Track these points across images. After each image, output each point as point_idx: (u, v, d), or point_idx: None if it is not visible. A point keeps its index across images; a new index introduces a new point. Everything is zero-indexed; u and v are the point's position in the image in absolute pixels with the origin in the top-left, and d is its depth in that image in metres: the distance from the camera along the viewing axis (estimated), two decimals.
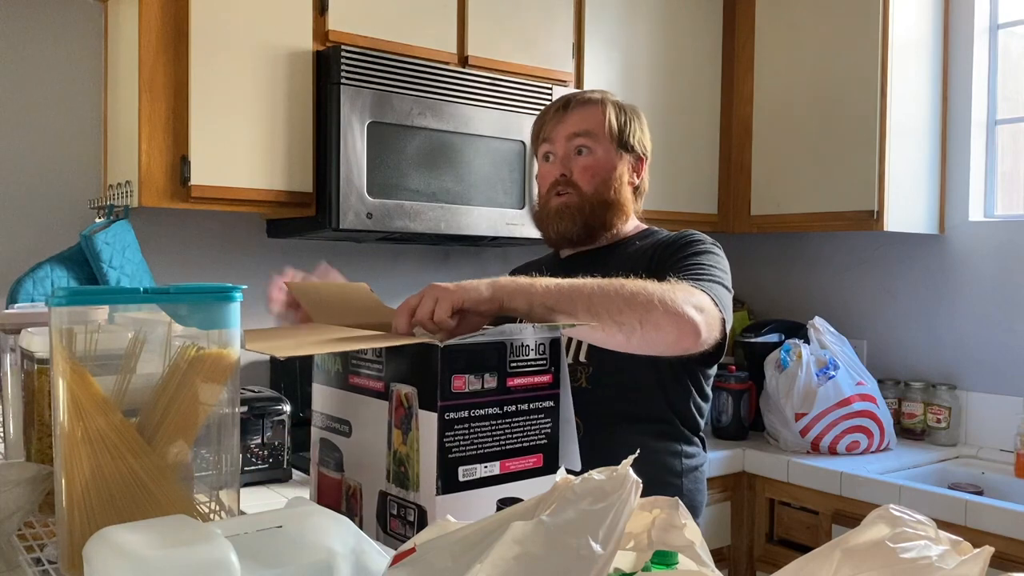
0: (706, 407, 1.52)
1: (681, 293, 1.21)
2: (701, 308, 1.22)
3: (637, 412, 1.43)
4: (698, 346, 1.23)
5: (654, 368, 1.42)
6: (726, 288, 1.36)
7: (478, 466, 0.87)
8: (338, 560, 0.68)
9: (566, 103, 1.55)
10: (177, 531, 0.66)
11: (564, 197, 1.51)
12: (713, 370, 1.51)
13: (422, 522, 0.85)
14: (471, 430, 0.87)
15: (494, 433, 0.89)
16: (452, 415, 0.85)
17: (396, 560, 0.61)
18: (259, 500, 1.78)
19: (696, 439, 1.51)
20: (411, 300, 1.05)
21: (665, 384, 1.45)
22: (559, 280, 1.15)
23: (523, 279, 1.14)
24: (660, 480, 1.43)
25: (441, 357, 0.84)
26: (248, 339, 0.89)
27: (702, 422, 1.52)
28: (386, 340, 0.89)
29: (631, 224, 1.60)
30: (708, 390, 1.51)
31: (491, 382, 0.88)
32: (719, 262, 1.42)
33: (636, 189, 1.58)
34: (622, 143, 1.53)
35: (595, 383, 1.41)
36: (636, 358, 1.31)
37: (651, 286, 1.19)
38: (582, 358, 1.44)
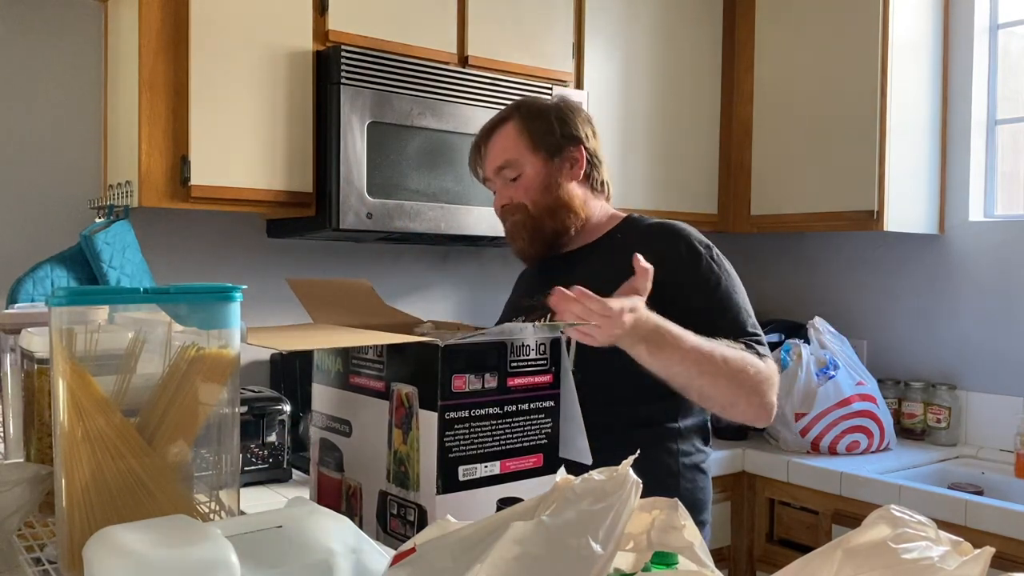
0: None
1: (768, 384, 1.35)
2: (776, 390, 1.37)
3: (629, 416, 1.42)
4: (762, 427, 1.45)
5: (643, 374, 1.41)
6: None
7: (478, 466, 0.87)
8: (338, 560, 0.68)
9: (482, 136, 1.58)
10: (177, 531, 0.66)
11: (513, 218, 1.54)
12: None
13: (422, 522, 0.85)
14: (471, 430, 0.87)
15: (494, 433, 0.89)
16: (452, 415, 0.85)
17: (396, 560, 0.61)
18: (259, 500, 1.78)
19: (695, 436, 1.49)
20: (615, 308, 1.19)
21: (655, 388, 1.43)
22: (690, 340, 1.28)
23: (668, 332, 1.27)
24: (657, 480, 1.41)
25: (442, 357, 0.84)
26: (250, 335, 0.89)
27: (700, 417, 1.51)
28: (387, 338, 0.90)
29: (600, 213, 1.57)
30: None
31: (491, 382, 0.88)
32: (738, 279, 1.49)
33: (588, 177, 1.55)
34: (546, 149, 1.51)
35: (586, 391, 1.40)
36: (625, 365, 1.34)
37: (752, 371, 1.33)
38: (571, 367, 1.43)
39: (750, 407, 1.33)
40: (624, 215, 1.59)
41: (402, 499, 0.88)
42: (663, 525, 0.62)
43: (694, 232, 1.50)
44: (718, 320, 1.39)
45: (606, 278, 1.31)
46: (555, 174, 1.52)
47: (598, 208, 1.57)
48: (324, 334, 0.99)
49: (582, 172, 1.54)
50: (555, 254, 1.56)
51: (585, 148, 1.53)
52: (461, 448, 0.86)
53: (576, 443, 0.97)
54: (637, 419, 1.43)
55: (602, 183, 1.57)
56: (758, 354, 1.36)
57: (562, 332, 1.24)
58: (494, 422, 0.89)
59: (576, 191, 1.53)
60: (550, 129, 1.52)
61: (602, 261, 1.49)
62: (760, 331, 1.43)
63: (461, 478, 0.86)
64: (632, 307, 1.22)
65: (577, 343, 1.39)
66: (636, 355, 1.26)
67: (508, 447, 0.90)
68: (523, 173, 1.52)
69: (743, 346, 1.35)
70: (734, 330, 1.39)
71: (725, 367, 1.30)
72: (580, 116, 1.56)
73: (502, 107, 2.26)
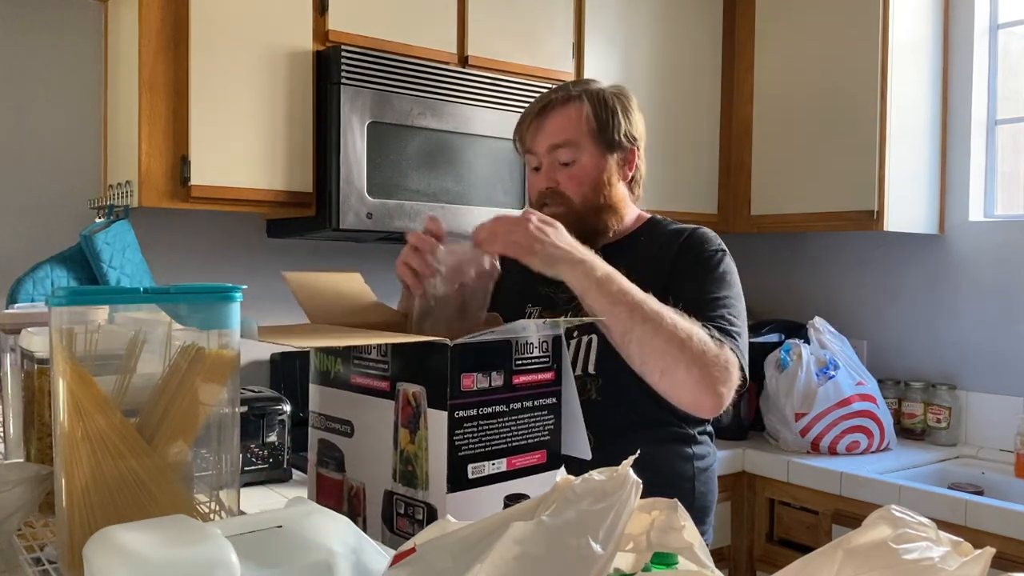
0: None
1: (718, 368, 1.25)
2: (731, 385, 1.29)
3: (648, 420, 1.41)
4: (709, 418, 1.32)
5: None
6: (745, 330, 1.40)
7: (486, 463, 0.88)
8: (338, 560, 0.68)
9: (544, 106, 1.46)
10: (177, 531, 0.65)
11: (554, 208, 1.44)
12: None
13: (431, 520, 0.86)
14: (480, 428, 0.87)
15: (501, 430, 0.89)
16: (462, 413, 0.86)
17: (396, 560, 0.61)
18: (259, 500, 1.78)
19: (705, 437, 1.48)
20: (504, 222, 1.18)
21: None
22: (627, 288, 1.23)
23: (607, 267, 1.24)
24: (673, 485, 1.41)
25: (451, 356, 0.85)
26: (261, 333, 0.89)
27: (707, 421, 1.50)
28: (397, 338, 0.90)
29: (631, 215, 1.52)
30: None
31: (498, 380, 0.89)
32: (739, 291, 1.43)
33: (632, 180, 1.50)
34: (607, 142, 1.44)
35: (605, 395, 1.38)
36: None
37: (696, 341, 1.24)
38: (591, 369, 1.39)
39: (689, 378, 1.23)
40: (648, 216, 1.55)
41: (410, 498, 0.88)
42: (663, 526, 0.62)
43: (714, 235, 1.47)
44: (700, 302, 1.34)
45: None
46: (609, 171, 1.45)
47: (630, 209, 1.52)
48: (334, 333, 0.99)
49: (631, 174, 1.49)
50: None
51: (638, 149, 1.49)
52: (470, 446, 0.86)
53: (575, 439, 0.98)
54: (654, 423, 1.41)
55: (639, 185, 1.53)
56: (715, 338, 1.28)
57: (574, 336, 1.24)
58: (501, 420, 0.89)
59: (623, 192, 1.48)
60: (616, 123, 1.44)
61: (624, 262, 1.43)
62: (738, 330, 1.35)
63: (470, 476, 0.86)
64: (539, 217, 1.21)
65: (598, 346, 1.38)
66: (574, 281, 1.22)
67: (514, 444, 0.90)
68: (578, 160, 1.43)
69: (702, 326, 1.28)
70: (709, 316, 1.32)
71: (670, 326, 1.22)
72: (639, 112, 1.49)
73: (502, 107, 2.29)
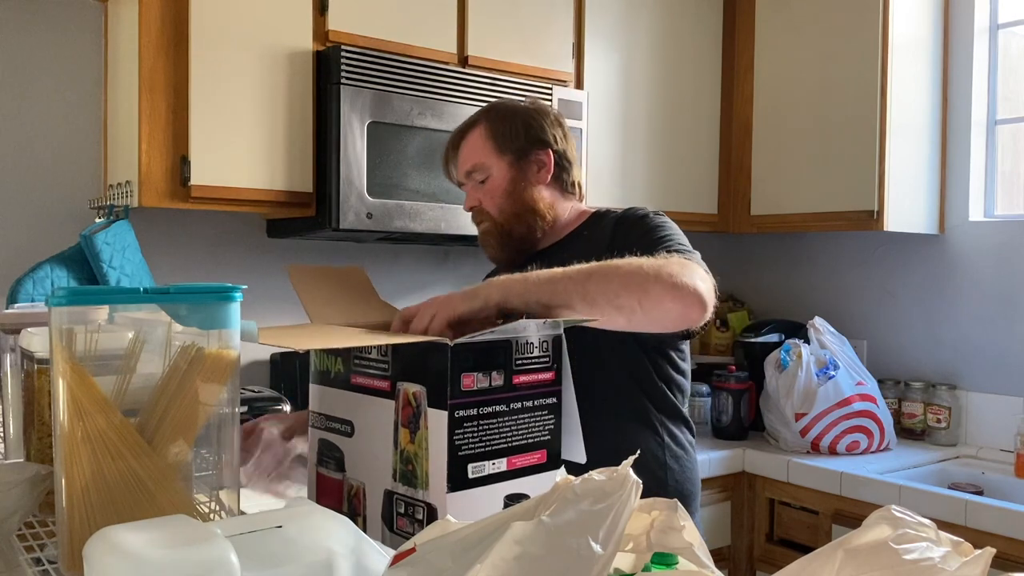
0: (686, 384, 1.50)
1: (677, 266, 1.22)
2: (703, 278, 1.25)
3: (609, 406, 1.41)
4: (704, 318, 1.25)
5: (620, 356, 1.40)
6: (696, 252, 1.38)
7: (486, 463, 0.88)
8: (338, 560, 0.68)
9: (453, 140, 1.57)
10: (177, 531, 0.65)
11: (482, 225, 1.56)
12: (686, 345, 1.49)
13: (431, 520, 0.86)
14: (480, 427, 0.87)
15: (501, 430, 0.89)
16: (462, 413, 0.86)
17: (396, 560, 0.61)
18: (259, 500, 1.78)
19: (678, 423, 1.49)
20: (407, 312, 1.10)
21: (634, 372, 1.44)
22: (551, 271, 1.18)
23: (515, 276, 1.16)
24: (648, 471, 1.40)
25: (451, 355, 0.85)
26: (261, 335, 0.89)
27: (682, 403, 1.50)
28: (398, 339, 0.90)
29: (570, 214, 1.56)
30: (684, 366, 1.50)
31: (498, 380, 0.89)
32: (679, 230, 1.44)
33: (556, 179, 1.54)
34: (511, 152, 1.51)
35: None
36: (601, 349, 1.30)
37: (646, 263, 1.21)
38: None
39: (664, 289, 1.18)
40: (592, 211, 1.58)
41: (410, 498, 0.88)
42: (663, 526, 0.62)
43: (648, 208, 1.51)
44: (642, 249, 1.30)
45: None
46: (521, 178, 1.52)
47: (567, 208, 1.57)
48: (335, 334, 0.99)
49: (550, 175, 1.54)
50: (525, 256, 1.54)
51: (553, 151, 1.53)
52: (470, 446, 0.86)
53: (570, 442, 0.98)
54: (622, 412, 1.43)
55: (573, 184, 1.57)
56: (661, 256, 1.26)
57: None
58: (501, 419, 0.89)
59: (543, 194, 1.53)
60: (516, 133, 1.52)
61: (567, 258, 1.47)
62: (687, 249, 1.35)
63: (470, 476, 0.86)
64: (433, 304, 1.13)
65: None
66: (526, 304, 1.14)
67: (514, 444, 0.90)
68: (490, 176, 1.52)
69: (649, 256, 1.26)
70: (654, 251, 1.30)
71: (612, 266, 1.19)
72: (549, 119, 1.55)
73: None
